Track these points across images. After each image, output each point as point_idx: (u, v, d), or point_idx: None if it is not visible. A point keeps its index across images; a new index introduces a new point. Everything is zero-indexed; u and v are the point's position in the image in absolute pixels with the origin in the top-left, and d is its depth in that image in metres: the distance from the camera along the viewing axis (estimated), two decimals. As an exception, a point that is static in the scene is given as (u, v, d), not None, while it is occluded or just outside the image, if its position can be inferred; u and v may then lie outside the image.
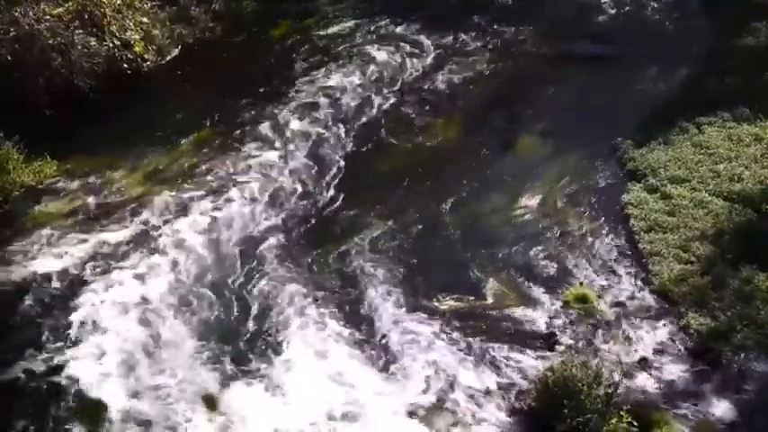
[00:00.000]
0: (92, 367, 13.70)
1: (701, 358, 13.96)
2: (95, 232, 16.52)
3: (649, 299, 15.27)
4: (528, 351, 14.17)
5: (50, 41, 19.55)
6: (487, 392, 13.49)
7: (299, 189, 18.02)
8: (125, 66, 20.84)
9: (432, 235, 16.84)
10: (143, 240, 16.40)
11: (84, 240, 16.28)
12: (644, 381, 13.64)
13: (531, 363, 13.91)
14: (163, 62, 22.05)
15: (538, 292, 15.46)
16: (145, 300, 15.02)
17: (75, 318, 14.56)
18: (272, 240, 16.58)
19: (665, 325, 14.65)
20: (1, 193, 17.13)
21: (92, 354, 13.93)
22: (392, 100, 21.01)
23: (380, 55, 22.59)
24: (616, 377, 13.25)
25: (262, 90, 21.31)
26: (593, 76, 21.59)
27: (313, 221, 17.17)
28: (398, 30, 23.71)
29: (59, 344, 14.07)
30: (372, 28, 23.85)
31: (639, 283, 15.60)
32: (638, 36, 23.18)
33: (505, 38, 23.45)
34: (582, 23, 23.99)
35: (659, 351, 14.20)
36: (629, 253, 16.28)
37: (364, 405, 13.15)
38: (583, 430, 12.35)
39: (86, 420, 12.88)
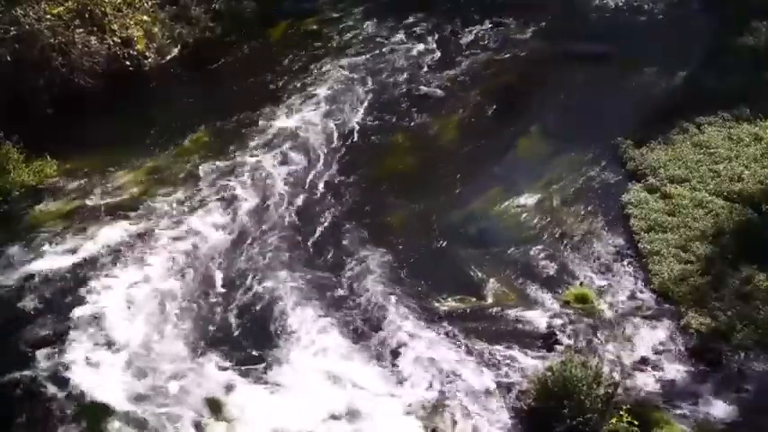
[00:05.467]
0: (93, 368, 13.71)
1: (701, 358, 13.96)
2: (96, 232, 16.52)
3: (649, 299, 15.27)
4: (528, 351, 14.17)
5: (51, 41, 19.54)
6: (487, 392, 13.49)
7: (298, 190, 18.01)
8: (126, 63, 20.83)
9: (431, 235, 16.83)
10: (143, 241, 16.40)
11: (85, 240, 16.28)
12: (644, 381, 13.64)
13: (531, 363, 13.91)
14: (163, 61, 22.06)
15: (538, 292, 15.47)
16: (146, 301, 15.02)
17: (75, 318, 14.57)
18: (271, 241, 16.58)
19: (665, 325, 14.66)
20: (1, 193, 17.11)
21: (93, 355, 13.93)
22: (391, 99, 21.01)
23: (380, 55, 22.58)
24: (616, 377, 13.27)
25: (261, 90, 21.32)
26: (593, 75, 21.60)
27: (311, 222, 17.15)
28: (397, 29, 23.70)
29: (60, 344, 14.06)
30: (372, 28, 23.86)
31: (639, 283, 15.60)
32: (639, 36, 23.18)
33: (506, 38, 23.44)
34: (582, 23, 23.99)
35: (659, 351, 14.21)
36: (628, 253, 16.28)
37: (365, 405, 13.15)
38: (583, 430, 12.36)
39: (88, 422, 12.88)
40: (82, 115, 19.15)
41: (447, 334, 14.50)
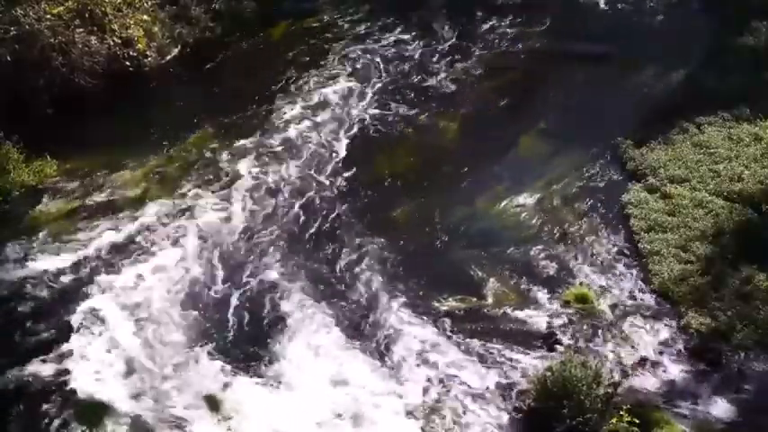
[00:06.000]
0: (93, 368, 13.72)
1: (701, 358, 13.98)
2: (95, 232, 16.51)
3: (649, 299, 15.29)
4: (528, 351, 14.19)
5: (51, 41, 19.51)
6: (487, 392, 13.51)
7: (299, 190, 18.01)
8: (126, 63, 20.81)
9: (432, 235, 16.83)
10: (143, 241, 16.39)
11: (85, 240, 16.29)
12: (644, 381, 13.66)
13: (531, 363, 13.92)
14: (163, 61, 22.02)
15: (538, 292, 15.47)
16: (145, 301, 15.02)
17: (75, 318, 14.58)
18: (271, 241, 16.58)
19: (665, 325, 14.67)
20: (1, 193, 17.11)
21: (93, 354, 13.94)
22: (393, 98, 21.00)
23: (380, 54, 22.57)
24: (616, 377, 13.27)
25: (262, 89, 21.28)
26: (593, 75, 21.60)
27: (311, 222, 17.15)
28: (398, 29, 23.68)
29: (60, 344, 14.07)
30: (372, 27, 23.81)
31: (639, 282, 15.62)
32: (639, 36, 23.18)
33: (506, 38, 23.44)
34: (582, 23, 23.98)
35: (659, 351, 14.22)
36: (628, 253, 16.30)
37: (365, 405, 13.18)
38: (583, 430, 12.37)
39: (88, 420, 12.89)
40: (82, 115, 19.13)
41: (447, 333, 14.52)
